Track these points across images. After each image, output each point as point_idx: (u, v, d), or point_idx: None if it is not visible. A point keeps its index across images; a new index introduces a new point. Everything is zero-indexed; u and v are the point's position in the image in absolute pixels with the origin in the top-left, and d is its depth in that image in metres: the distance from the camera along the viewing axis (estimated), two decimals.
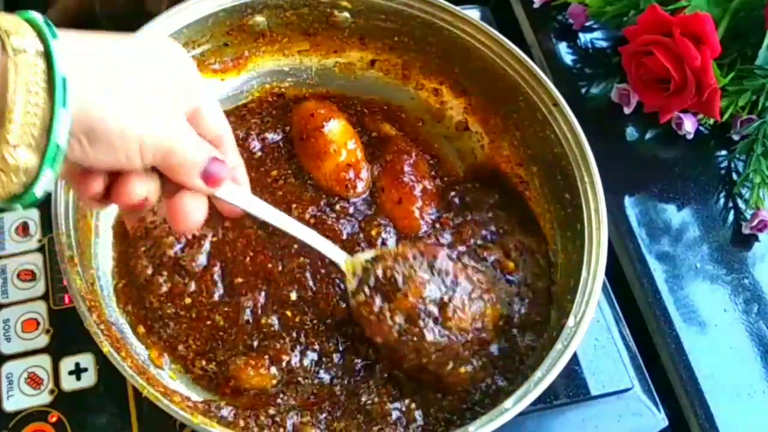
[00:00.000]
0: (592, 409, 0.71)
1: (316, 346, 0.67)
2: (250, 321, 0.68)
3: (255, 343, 0.67)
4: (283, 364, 0.66)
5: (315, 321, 0.68)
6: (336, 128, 0.78)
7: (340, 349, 0.68)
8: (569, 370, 0.70)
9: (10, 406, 0.67)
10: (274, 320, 0.68)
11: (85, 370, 0.69)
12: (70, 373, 0.68)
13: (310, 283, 0.70)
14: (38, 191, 0.45)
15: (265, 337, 0.68)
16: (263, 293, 0.69)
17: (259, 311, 0.69)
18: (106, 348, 0.58)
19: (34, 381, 0.68)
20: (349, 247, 0.72)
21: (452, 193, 0.78)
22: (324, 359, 0.67)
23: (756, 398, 0.74)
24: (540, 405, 0.68)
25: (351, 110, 0.83)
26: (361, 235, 0.74)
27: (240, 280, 0.70)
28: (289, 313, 0.69)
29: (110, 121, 0.46)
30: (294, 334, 0.68)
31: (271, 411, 0.65)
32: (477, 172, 0.81)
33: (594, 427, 0.71)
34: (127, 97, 0.47)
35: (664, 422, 0.72)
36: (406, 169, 0.78)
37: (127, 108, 0.47)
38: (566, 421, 0.71)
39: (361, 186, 0.77)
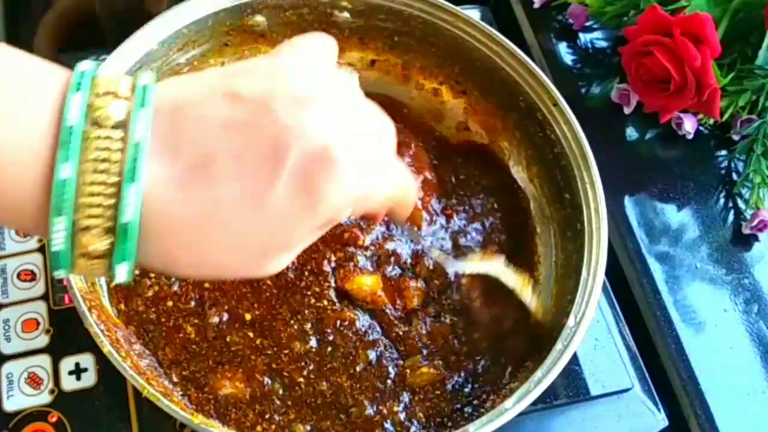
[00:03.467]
0: (592, 409, 0.71)
1: (286, 373, 0.66)
2: (217, 337, 0.68)
3: (224, 359, 0.67)
4: (255, 383, 0.66)
5: (276, 348, 0.67)
6: None
7: (310, 379, 0.67)
8: (569, 370, 0.70)
9: (10, 406, 0.66)
10: (237, 339, 0.67)
11: (86, 370, 0.69)
12: (70, 373, 0.68)
13: (255, 303, 0.69)
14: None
15: (235, 356, 0.67)
16: (226, 307, 0.69)
17: (224, 327, 0.68)
18: (106, 348, 0.58)
19: (34, 381, 0.68)
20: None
21: (446, 172, 0.79)
22: (294, 388, 0.66)
23: (756, 398, 0.74)
24: (540, 405, 0.68)
25: None
26: None
27: (207, 285, 0.70)
28: (251, 334, 0.68)
29: None
30: (262, 357, 0.67)
31: (257, 407, 0.65)
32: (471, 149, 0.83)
33: (594, 427, 0.71)
34: None
35: (664, 422, 0.72)
36: (406, 160, 0.78)
37: None
38: (566, 421, 0.71)
39: None
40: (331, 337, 0.68)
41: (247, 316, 0.69)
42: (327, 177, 0.36)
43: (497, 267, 0.71)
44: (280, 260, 0.40)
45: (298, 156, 0.36)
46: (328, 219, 0.39)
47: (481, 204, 0.78)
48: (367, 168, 0.39)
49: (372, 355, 0.68)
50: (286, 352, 0.67)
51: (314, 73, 0.39)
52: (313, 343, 0.68)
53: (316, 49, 0.43)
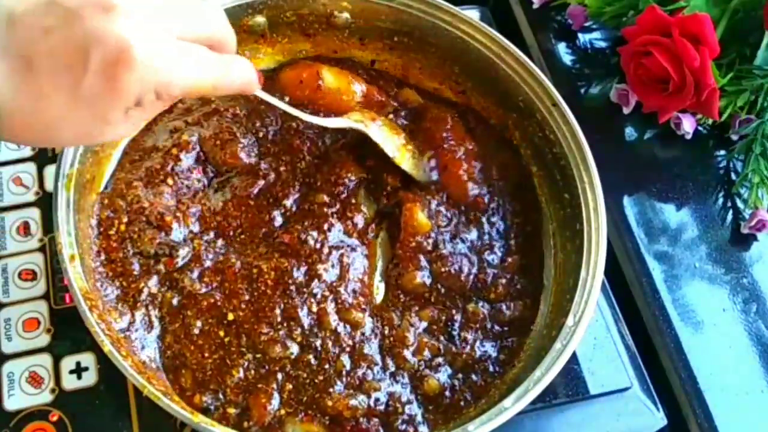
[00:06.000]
0: (591, 408, 0.72)
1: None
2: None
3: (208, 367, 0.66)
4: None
5: (258, 356, 0.66)
6: (330, 78, 0.79)
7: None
8: (568, 369, 0.70)
9: (11, 405, 0.67)
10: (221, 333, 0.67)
11: (86, 369, 0.69)
12: (71, 372, 0.69)
13: (242, 305, 0.68)
14: None
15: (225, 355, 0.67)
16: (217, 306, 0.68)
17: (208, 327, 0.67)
18: (107, 347, 0.58)
19: (35, 380, 0.68)
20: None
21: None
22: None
23: (754, 397, 0.74)
24: (539, 404, 0.68)
25: (366, 75, 0.83)
26: None
27: (198, 286, 0.69)
28: (221, 333, 0.67)
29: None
30: (247, 353, 0.66)
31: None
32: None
33: (593, 426, 0.71)
34: None
35: (663, 421, 0.73)
36: (445, 135, 0.77)
37: None
38: (565, 420, 0.71)
39: (391, 103, 0.80)
40: (318, 343, 0.66)
41: (230, 316, 0.67)
42: (125, 70, 0.46)
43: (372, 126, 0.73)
44: (106, 132, 0.49)
45: (99, 55, 0.45)
46: (135, 100, 0.48)
47: (507, 196, 0.77)
48: (166, 61, 0.48)
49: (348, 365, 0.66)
50: (258, 356, 0.66)
51: None
52: (294, 349, 0.66)
53: None
